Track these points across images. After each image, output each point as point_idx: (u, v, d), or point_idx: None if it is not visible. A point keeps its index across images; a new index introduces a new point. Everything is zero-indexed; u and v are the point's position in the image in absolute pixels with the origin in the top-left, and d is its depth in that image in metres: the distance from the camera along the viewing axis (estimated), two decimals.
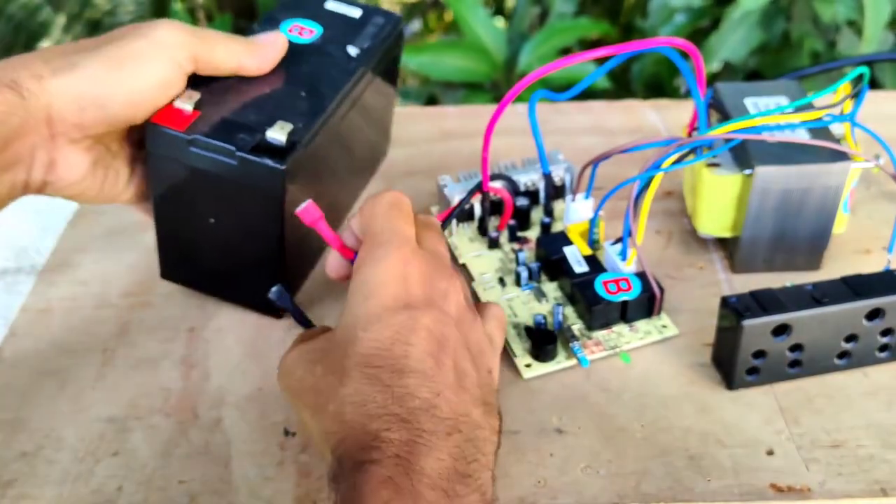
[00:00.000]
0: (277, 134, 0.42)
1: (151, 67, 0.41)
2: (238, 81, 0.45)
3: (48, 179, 0.42)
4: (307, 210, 0.40)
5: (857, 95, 0.49)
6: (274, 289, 0.42)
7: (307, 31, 0.48)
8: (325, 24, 0.49)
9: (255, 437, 0.43)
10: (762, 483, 0.40)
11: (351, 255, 0.42)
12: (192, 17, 1.40)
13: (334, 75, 0.46)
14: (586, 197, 0.51)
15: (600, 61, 0.46)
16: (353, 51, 0.48)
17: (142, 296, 0.53)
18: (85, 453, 0.43)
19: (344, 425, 0.34)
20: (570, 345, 0.45)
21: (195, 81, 0.44)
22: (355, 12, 0.51)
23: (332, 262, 0.43)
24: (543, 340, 0.45)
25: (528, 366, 0.45)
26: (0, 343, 0.50)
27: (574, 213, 0.51)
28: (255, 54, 0.45)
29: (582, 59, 0.44)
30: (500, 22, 1.50)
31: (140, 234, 0.58)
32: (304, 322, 0.44)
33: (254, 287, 0.46)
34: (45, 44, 1.61)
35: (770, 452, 0.41)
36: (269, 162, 0.41)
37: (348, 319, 0.37)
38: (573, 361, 0.45)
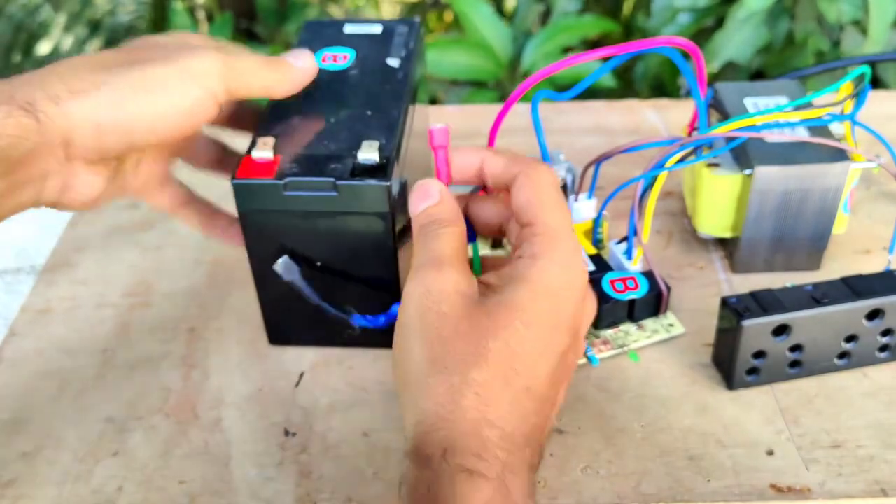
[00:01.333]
0: (369, 154, 0.41)
1: (182, 96, 0.39)
2: (303, 118, 0.45)
3: (61, 199, 0.40)
4: (442, 132, 0.39)
5: (858, 95, 0.49)
6: (280, 260, 0.41)
7: (341, 57, 0.49)
8: (354, 47, 0.49)
9: (255, 437, 0.43)
10: (762, 483, 0.40)
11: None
12: (192, 16, 1.40)
13: (389, 88, 0.46)
14: (589, 197, 0.51)
15: (604, 60, 0.46)
16: (393, 62, 0.48)
17: (142, 296, 0.53)
18: (85, 453, 0.43)
19: (458, 409, 0.32)
20: None
21: (262, 127, 0.44)
22: (376, 29, 0.52)
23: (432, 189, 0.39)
24: None
25: None
26: (0, 343, 0.50)
27: (577, 213, 0.51)
28: (285, 80, 0.44)
29: (587, 58, 0.43)
30: (503, 23, 1.50)
31: (140, 233, 0.59)
32: (324, 304, 0.42)
33: (376, 312, 0.45)
34: (45, 44, 1.61)
35: (770, 453, 0.41)
36: (373, 182, 0.40)
37: (511, 300, 0.34)
38: (582, 360, 0.45)
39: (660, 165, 0.47)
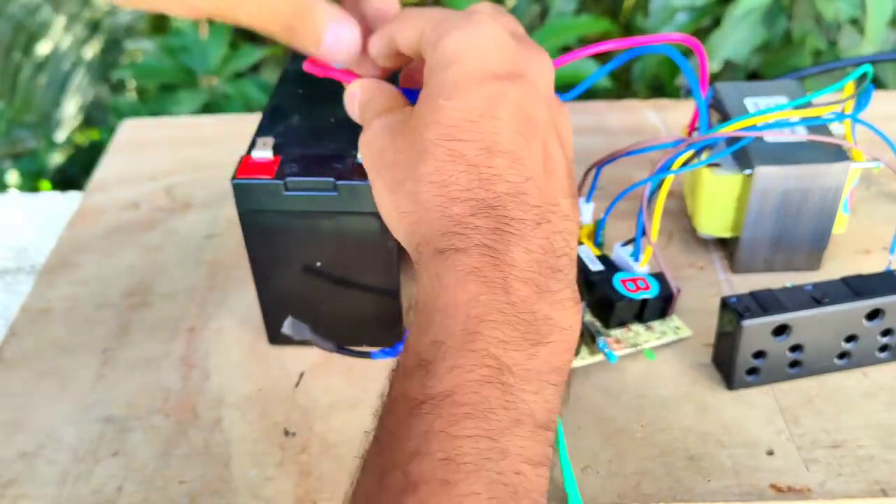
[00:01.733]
0: None
1: None
2: (303, 118, 0.45)
3: None
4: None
5: (860, 95, 0.49)
6: (287, 321, 0.41)
7: None
8: None
9: (255, 437, 0.43)
10: (762, 483, 0.40)
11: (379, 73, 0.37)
12: None
13: None
14: (587, 200, 0.51)
15: (603, 60, 0.46)
16: None
17: (142, 296, 0.53)
18: (85, 453, 0.43)
19: (419, 206, 0.31)
20: (597, 340, 0.45)
21: (262, 127, 0.44)
22: None
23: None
24: None
25: None
26: (0, 343, 0.50)
27: None
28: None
29: (587, 53, 0.43)
30: None
31: (140, 233, 0.59)
32: (337, 347, 0.41)
33: (377, 316, 0.45)
34: (45, 44, 1.61)
35: (770, 452, 0.41)
36: None
37: (429, 89, 0.32)
38: (598, 357, 0.45)
39: (665, 168, 0.47)
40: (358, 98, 0.36)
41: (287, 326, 0.41)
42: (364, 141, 0.35)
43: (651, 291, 0.46)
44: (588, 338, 0.46)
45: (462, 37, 0.32)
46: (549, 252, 0.30)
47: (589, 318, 0.47)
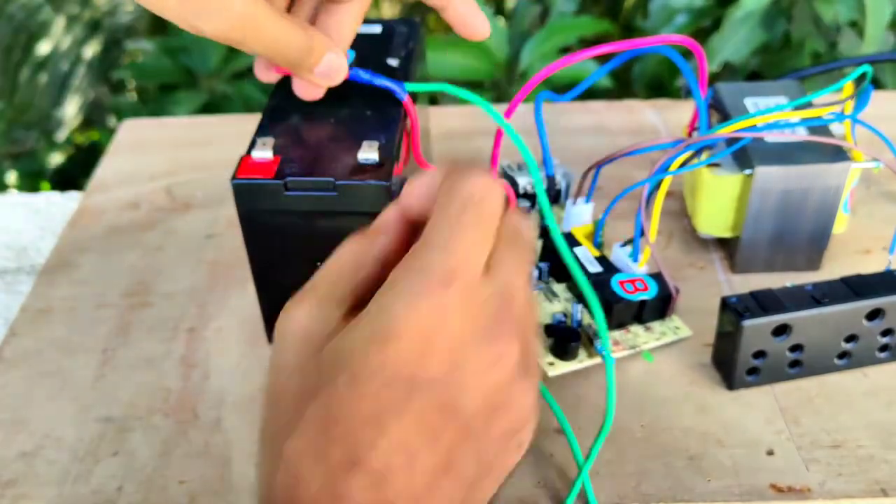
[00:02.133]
0: (369, 154, 0.41)
1: None
2: (303, 118, 0.45)
3: None
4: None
5: (859, 95, 0.49)
6: None
7: None
8: (354, 47, 0.49)
9: (255, 437, 0.43)
10: (762, 483, 0.40)
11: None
12: None
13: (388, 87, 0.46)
14: (587, 201, 0.51)
15: (603, 60, 0.46)
16: (393, 62, 0.48)
17: (142, 296, 0.53)
18: (85, 453, 0.43)
19: (269, 489, 0.27)
20: (595, 343, 0.45)
21: (262, 127, 0.44)
22: (375, 29, 0.51)
23: None
24: (568, 338, 0.45)
25: (550, 364, 0.45)
26: (0, 343, 0.50)
27: (574, 217, 0.51)
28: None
29: (587, 55, 0.43)
30: (500, 22, 1.50)
31: (140, 233, 0.59)
32: None
33: None
34: (45, 44, 1.61)
35: (770, 452, 0.41)
36: (373, 182, 0.40)
37: (344, 348, 0.27)
38: (596, 360, 0.45)
39: (663, 169, 0.47)
40: (356, 243, 0.31)
41: None
42: (280, 330, 0.30)
43: (650, 292, 0.46)
44: (586, 340, 0.46)
45: (408, 312, 0.27)
46: None
47: (588, 320, 0.47)
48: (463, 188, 0.29)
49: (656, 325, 0.47)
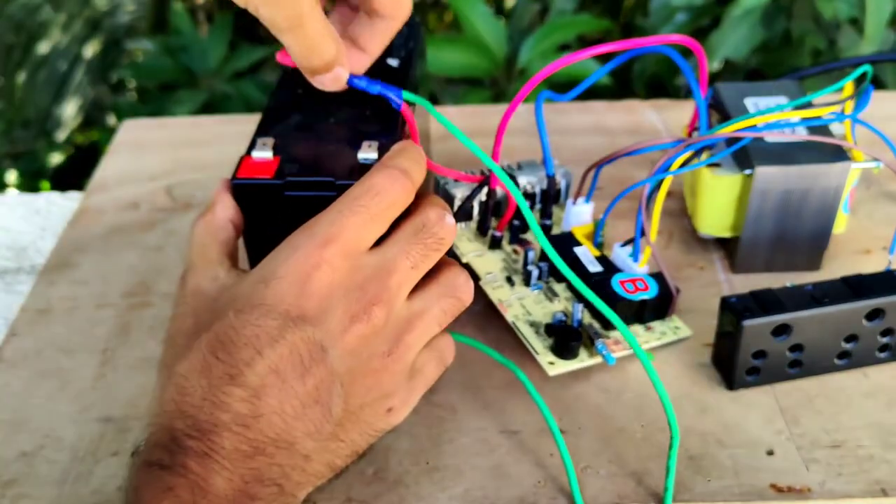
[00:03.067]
0: (369, 153, 0.41)
1: None
2: (303, 118, 0.45)
3: None
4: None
5: (859, 95, 0.49)
6: None
7: None
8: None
9: None
10: (762, 483, 0.40)
11: None
12: (192, 17, 1.40)
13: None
14: (587, 201, 0.51)
15: (603, 59, 0.46)
16: (393, 62, 0.48)
17: (142, 296, 0.53)
18: (85, 453, 0.43)
19: (160, 405, 0.32)
20: (595, 343, 0.45)
21: (262, 127, 0.44)
22: None
23: None
24: (568, 337, 0.44)
25: (551, 363, 0.45)
26: (0, 343, 0.50)
27: (574, 217, 0.51)
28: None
29: (587, 55, 0.43)
30: (500, 21, 1.50)
31: (140, 234, 0.59)
32: None
33: None
34: (44, 44, 1.61)
35: (770, 452, 0.41)
36: None
37: (237, 289, 0.34)
38: (596, 359, 0.45)
39: (664, 169, 0.47)
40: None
41: None
42: (178, 293, 0.37)
43: (650, 292, 0.46)
44: (587, 339, 0.46)
45: (290, 260, 0.34)
46: (256, 481, 0.31)
47: (588, 319, 0.47)
48: (368, 178, 0.36)
49: (657, 325, 0.47)
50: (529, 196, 0.53)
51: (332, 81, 0.41)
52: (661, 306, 0.47)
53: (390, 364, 0.36)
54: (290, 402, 0.32)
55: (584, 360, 0.45)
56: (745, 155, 0.48)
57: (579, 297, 0.48)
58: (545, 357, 0.45)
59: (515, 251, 0.51)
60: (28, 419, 0.45)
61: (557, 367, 0.44)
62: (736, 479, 0.40)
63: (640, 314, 0.47)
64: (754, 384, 0.44)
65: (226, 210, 0.39)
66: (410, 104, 0.44)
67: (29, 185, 1.55)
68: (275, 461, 0.32)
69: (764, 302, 0.42)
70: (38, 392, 0.47)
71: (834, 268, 0.51)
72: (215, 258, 0.37)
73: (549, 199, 0.52)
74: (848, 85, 0.50)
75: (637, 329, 0.47)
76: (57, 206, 0.65)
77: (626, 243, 0.49)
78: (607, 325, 0.46)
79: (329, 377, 0.33)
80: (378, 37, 0.42)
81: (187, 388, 0.32)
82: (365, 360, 0.35)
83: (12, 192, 1.45)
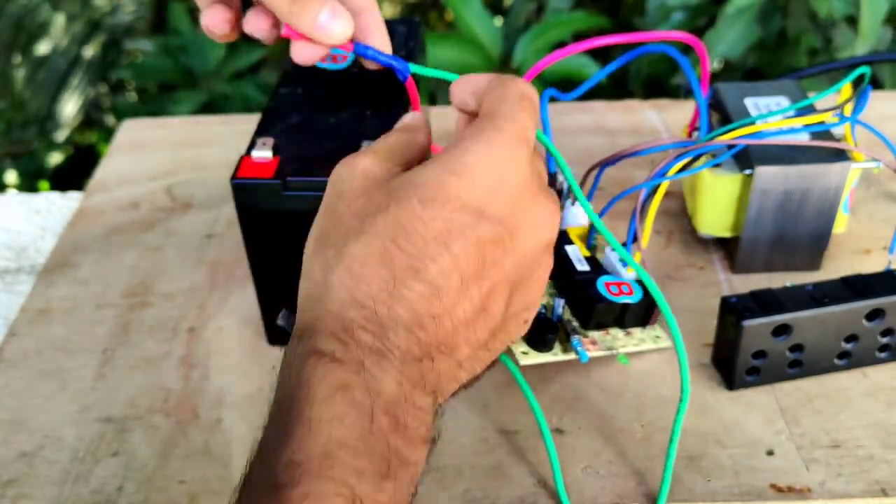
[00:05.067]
0: None
1: None
2: (303, 118, 0.45)
3: None
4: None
5: (858, 97, 0.49)
6: (281, 313, 0.41)
7: (340, 57, 0.48)
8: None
9: (256, 438, 0.43)
10: (762, 483, 0.40)
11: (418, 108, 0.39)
12: (192, 17, 1.40)
13: (389, 88, 0.46)
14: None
15: (604, 61, 0.46)
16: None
17: (142, 296, 0.53)
18: (85, 453, 0.43)
19: (326, 287, 0.30)
20: (571, 339, 0.45)
21: (261, 127, 0.44)
22: None
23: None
24: (545, 330, 0.44)
25: (524, 353, 0.45)
26: (0, 343, 0.50)
27: (573, 219, 0.51)
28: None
29: (585, 47, 0.43)
30: (497, 21, 1.50)
31: (140, 234, 0.59)
32: None
33: None
34: (44, 44, 1.61)
35: (770, 452, 0.41)
36: None
37: (418, 177, 0.31)
38: (570, 356, 0.45)
39: (662, 173, 0.47)
40: (406, 120, 0.37)
41: (281, 318, 0.41)
42: (340, 169, 0.34)
43: (634, 297, 0.46)
44: (563, 335, 0.46)
45: (487, 157, 0.31)
46: (418, 388, 0.30)
47: (568, 316, 0.47)
48: (516, 85, 0.34)
49: (637, 331, 0.47)
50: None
51: (328, 22, 0.37)
52: (643, 313, 0.47)
53: (543, 274, 0.34)
54: (462, 306, 0.31)
55: (557, 355, 0.45)
56: (746, 155, 0.48)
57: (562, 293, 0.48)
58: (519, 346, 0.44)
59: None
60: (28, 419, 0.45)
61: (530, 357, 0.44)
62: (736, 479, 0.40)
63: (622, 318, 0.46)
64: (754, 384, 0.44)
65: (420, 118, 0.37)
66: (416, 82, 0.44)
67: (28, 185, 1.55)
68: (435, 367, 0.30)
69: (764, 302, 0.42)
70: (38, 392, 0.47)
71: (834, 268, 0.51)
72: (399, 159, 0.35)
73: None
74: (846, 86, 0.50)
75: (616, 332, 0.47)
76: (57, 206, 0.65)
77: None
78: (587, 325, 0.46)
79: (503, 283, 0.32)
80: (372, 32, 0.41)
81: (364, 275, 0.30)
82: (532, 269, 0.33)
83: (12, 192, 1.45)
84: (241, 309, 0.51)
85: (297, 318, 0.31)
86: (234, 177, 0.41)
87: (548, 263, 0.34)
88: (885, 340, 0.44)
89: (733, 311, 0.42)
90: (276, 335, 0.48)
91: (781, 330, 0.42)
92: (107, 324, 0.51)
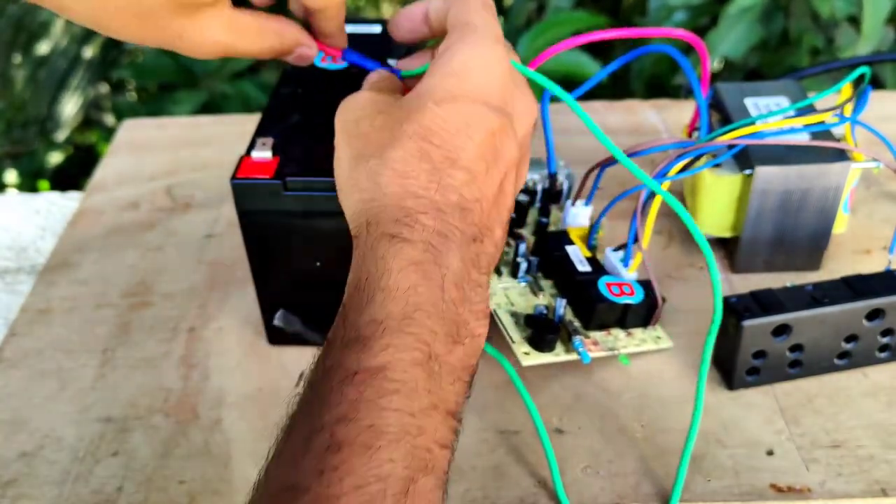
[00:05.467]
0: None
1: None
2: (303, 118, 0.45)
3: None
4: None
5: (858, 97, 0.49)
6: (278, 313, 0.41)
7: (339, 57, 0.49)
8: (353, 46, 0.49)
9: (255, 437, 0.43)
10: (762, 483, 0.40)
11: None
12: None
13: None
14: (587, 203, 0.51)
15: (605, 61, 0.46)
16: (393, 62, 0.48)
17: (142, 296, 0.53)
18: (85, 453, 0.43)
19: (378, 188, 0.33)
20: (573, 339, 0.45)
21: (261, 127, 0.44)
22: (375, 28, 0.52)
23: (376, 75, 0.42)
24: (546, 330, 0.44)
25: (526, 353, 0.45)
26: (0, 343, 0.50)
27: (573, 219, 0.51)
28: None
29: (586, 41, 0.43)
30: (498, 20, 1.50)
31: (140, 233, 0.58)
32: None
33: None
34: (44, 44, 1.61)
35: (770, 452, 0.41)
36: None
37: (424, 87, 0.35)
38: (572, 356, 0.45)
39: (662, 174, 0.47)
40: (371, 76, 0.41)
41: (279, 318, 0.41)
42: (346, 104, 0.38)
43: (635, 298, 0.46)
44: (565, 335, 0.46)
45: (475, 55, 0.35)
46: (475, 267, 0.33)
47: (569, 316, 0.47)
48: None
49: (638, 332, 0.47)
50: (531, 193, 0.53)
51: (301, 59, 0.42)
52: (645, 314, 0.47)
53: (528, 153, 0.39)
54: (491, 189, 0.35)
55: (559, 355, 0.45)
56: (746, 155, 0.48)
57: (563, 294, 0.48)
58: (521, 347, 0.45)
59: (507, 243, 0.51)
60: (28, 419, 0.45)
61: (532, 357, 0.44)
62: (736, 479, 0.40)
63: (623, 318, 0.46)
64: (754, 384, 0.44)
65: (381, 70, 0.42)
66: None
67: (28, 185, 1.55)
68: (485, 250, 0.34)
69: (764, 302, 0.42)
70: (38, 392, 0.47)
71: (834, 268, 0.51)
72: (394, 87, 0.40)
73: (549, 196, 0.52)
74: (846, 86, 0.50)
75: (618, 333, 0.47)
76: (57, 206, 0.65)
77: (618, 248, 0.49)
78: (588, 326, 0.46)
79: (512, 165, 0.36)
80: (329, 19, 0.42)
81: (409, 171, 0.33)
82: (524, 153, 0.38)
83: (12, 192, 1.45)
84: (241, 309, 0.51)
85: (355, 224, 0.34)
86: (234, 177, 0.41)
87: (529, 147, 0.39)
88: (885, 340, 0.44)
89: (733, 311, 0.42)
90: (276, 335, 0.48)
91: (781, 330, 0.42)
92: (107, 324, 0.51)
